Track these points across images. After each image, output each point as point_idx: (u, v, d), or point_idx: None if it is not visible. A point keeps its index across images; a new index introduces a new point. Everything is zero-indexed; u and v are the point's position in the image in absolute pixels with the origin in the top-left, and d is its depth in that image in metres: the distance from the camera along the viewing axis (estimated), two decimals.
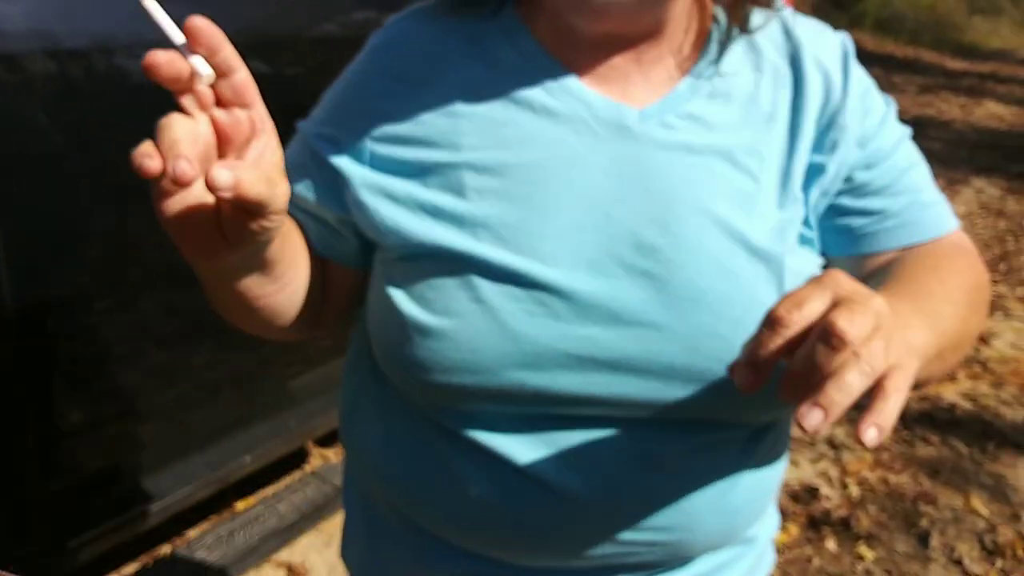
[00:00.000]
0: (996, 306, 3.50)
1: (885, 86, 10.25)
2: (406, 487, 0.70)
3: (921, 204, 0.69)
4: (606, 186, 0.62)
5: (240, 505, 1.96)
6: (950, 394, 2.73)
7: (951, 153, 6.52)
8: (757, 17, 0.66)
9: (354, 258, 0.71)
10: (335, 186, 0.67)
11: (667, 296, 0.60)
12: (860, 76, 0.68)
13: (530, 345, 0.60)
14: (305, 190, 0.68)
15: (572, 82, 0.64)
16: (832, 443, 2.46)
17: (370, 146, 0.65)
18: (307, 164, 0.68)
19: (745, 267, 0.61)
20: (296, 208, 0.69)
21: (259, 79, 0.49)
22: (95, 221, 1.21)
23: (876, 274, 0.67)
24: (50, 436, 1.22)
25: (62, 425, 1.23)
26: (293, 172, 0.66)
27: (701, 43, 0.67)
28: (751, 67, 0.66)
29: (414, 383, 0.64)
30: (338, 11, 1.56)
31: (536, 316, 0.60)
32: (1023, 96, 10.31)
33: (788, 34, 0.68)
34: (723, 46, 0.66)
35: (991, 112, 8.89)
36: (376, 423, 0.72)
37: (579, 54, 0.64)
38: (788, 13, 0.69)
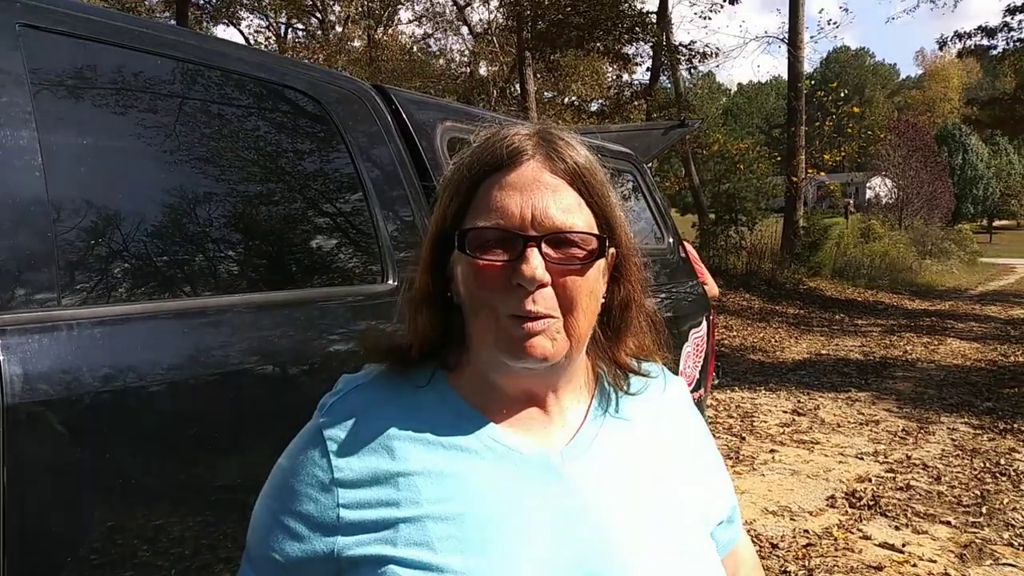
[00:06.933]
0: (984, 553, 3.45)
1: (850, 329, 10.78)
2: None
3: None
4: (549, 526, 0.75)
5: None
6: None
7: (920, 393, 6.73)
8: (636, 383, 0.88)
9: None
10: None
11: None
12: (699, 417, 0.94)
13: None
14: None
15: (501, 432, 0.79)
16: None
17: (339, 514, 0.75)
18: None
19: (682, 560, 0.77)
20: None
21: None
22: None
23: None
24: None
25: None
26: None
27: (593, 390, 0.86)
28: (633, 407, 0.87)
29: None
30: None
31: None
32: (982, 332, 10.84)
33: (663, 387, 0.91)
34: (612, 397, 0.86)
35: (954, 349, 9.29)
36: None
37: (502, 409, 0.81)
38: (659, 375, 0.91)
